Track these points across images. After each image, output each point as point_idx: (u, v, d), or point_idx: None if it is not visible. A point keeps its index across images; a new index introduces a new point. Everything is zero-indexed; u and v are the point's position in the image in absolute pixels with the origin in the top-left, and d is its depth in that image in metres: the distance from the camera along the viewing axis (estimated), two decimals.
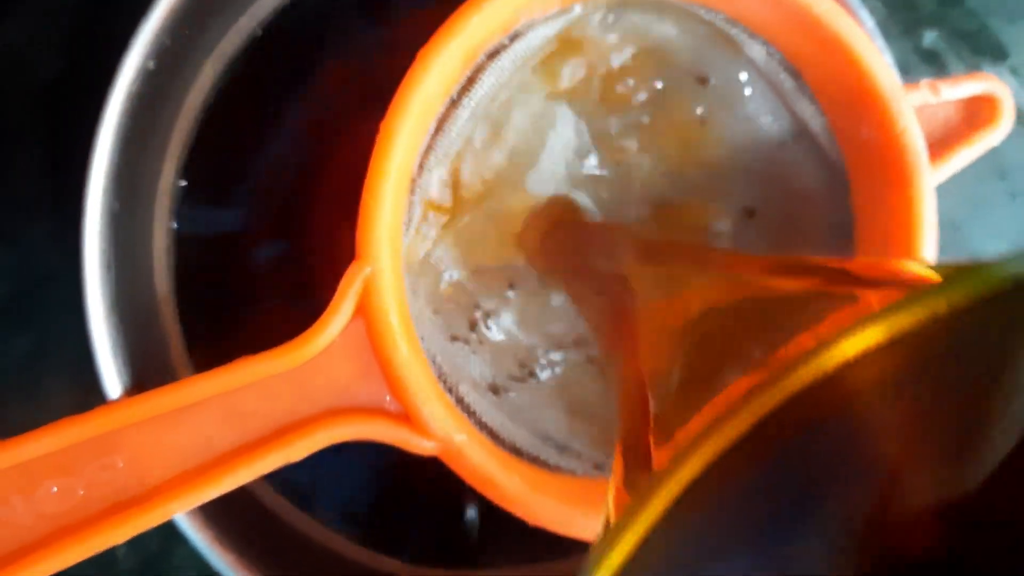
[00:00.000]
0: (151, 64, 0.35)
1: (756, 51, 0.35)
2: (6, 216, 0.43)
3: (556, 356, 0.36)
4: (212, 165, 0.42)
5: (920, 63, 0.47)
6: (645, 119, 0.36)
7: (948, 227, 0.47)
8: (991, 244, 0.48)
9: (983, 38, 0.47)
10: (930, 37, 0.47)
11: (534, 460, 0.34)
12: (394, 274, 0.31)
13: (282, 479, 0.40)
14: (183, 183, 0.40)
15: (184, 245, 0.41)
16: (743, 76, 0.35)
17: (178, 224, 0.40)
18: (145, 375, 0.35)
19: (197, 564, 0.39)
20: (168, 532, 0.35)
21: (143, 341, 0.37)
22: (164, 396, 0.30)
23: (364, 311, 0.30)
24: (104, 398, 0.33)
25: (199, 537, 0.35)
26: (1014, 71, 0.48)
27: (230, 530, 0.36)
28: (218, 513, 0.36)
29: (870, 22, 0.36)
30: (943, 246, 0.46)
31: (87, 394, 0.34)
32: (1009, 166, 0.47)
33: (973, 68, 0.48)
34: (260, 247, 0.43)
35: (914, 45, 0.47)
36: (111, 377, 0.34)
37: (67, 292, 0.41)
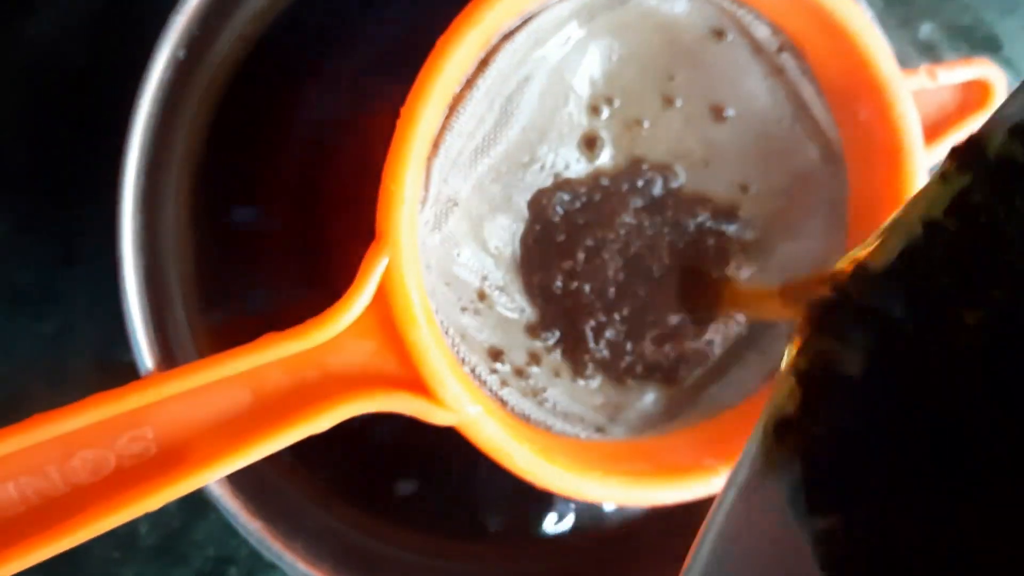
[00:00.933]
0: (181, 53, 0.35)
1: (761, 32, 0.35)
2: (34, 203, 0.43)
3: (560, 325, 0.37)
4: (235, 150, 0.42)
5: (916, 55, 0.48)
6: (652, 98, 0.37)
7: None
8: None
9: (978, 30, 0.48)
10: (926, 29, 0.47)
11: (540, 425, 0.36)
12: (412, 255, 0.32)
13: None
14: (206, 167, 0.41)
15: (207, 228, 0.41)
16: (746, 58, 0.36)
17: (201, 208, 0.41)
18: (171, 353, 0.36)
19: (216, 541, 0.40)
20: (190, 509, 0.37)
21: (170, 322, 0.37)
22: (193, 372, 0.31)
23: (385, 292, 0.31)
24: (131, 377, 0.33)
25: (228, 506, 0.36)
26: (1008, 62, 0.48)
27: (255, 499, 0.37)
28: (245, 484, 0.37)
29: (869, 13, 0.36)
30: None
31: (112, 378, 0.33)
32: None
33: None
34: (281, 227, 0.43)
35: (911, 37, 0.47)
36: (146, 351, 0.34)
37: (92, 277, 0.42)
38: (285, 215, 0.43)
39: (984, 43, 0.48)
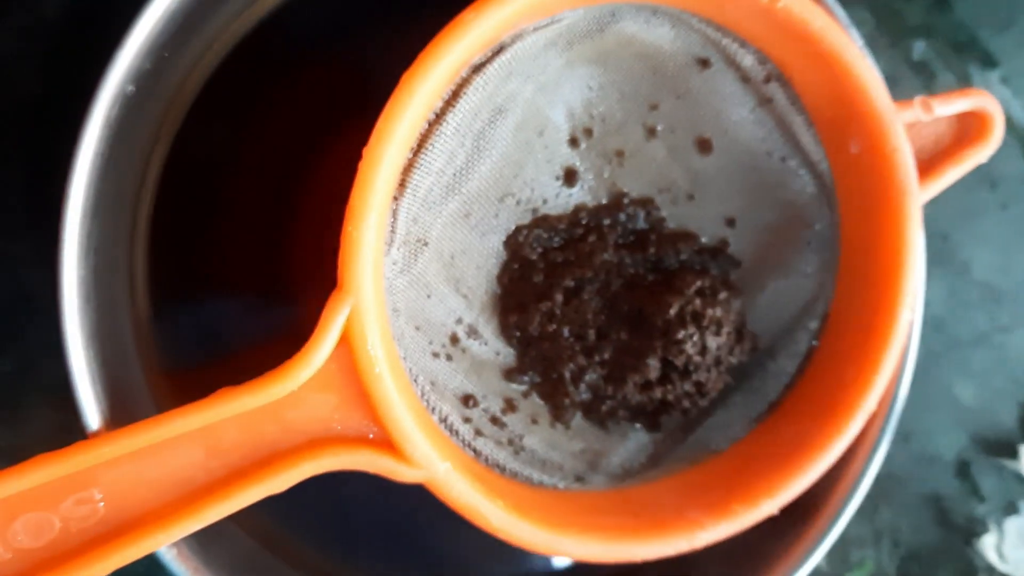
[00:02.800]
0: (130, 88, 0.33)
1: (747, 61, 0.33)
2: None
3: (539, 367, 0.34)
4: (191, 184, 0.40)
5: (909, 74, 0.46)
6: (634, 129, 0.35)
7: (938, 237, 0.46)
8: (981, 254, 0.47)
9: (972, 48, 0.46)
10: (919, 47, 0.46)
11: (516, 476, 0.33)
12: (377, 302, 0.29)
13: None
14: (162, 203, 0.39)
15: (164, 263, 0.39)
16: (733, 87, 0.34)
17: (157, 244, 0.39)
18: (124, 406, 0.33)
19: None
20: (152, 561, 0.34)
21: (122, 371, 0.35)
22: (143, 431, 0.28)
23: (347, 342, 0.29)
24: (83, 424, 0.32)
25: (180, 568, 0.34)
26: (1004, 80, 0.47)
27: (210, 561, 0.35)
28: (199, 543, 0.35)
29: (859, 40, 0.34)
30: (931, 257, 0.46)
31: (68, 415, 0.32)
32: (1000, 176, 0.46)
33: (962, 78, 0.46)
34: (242, 263, 0.41)
35: (903, 56, 0.46)
36: (91, 410, 0.32)
37: (47, 312, 0.39)
38: (247, 254, 0.41)
39: (979, 60, 0.46)
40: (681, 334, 0.33)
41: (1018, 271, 0.47)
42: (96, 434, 0.32)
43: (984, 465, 0.48)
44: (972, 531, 0.48)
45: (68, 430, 0.36)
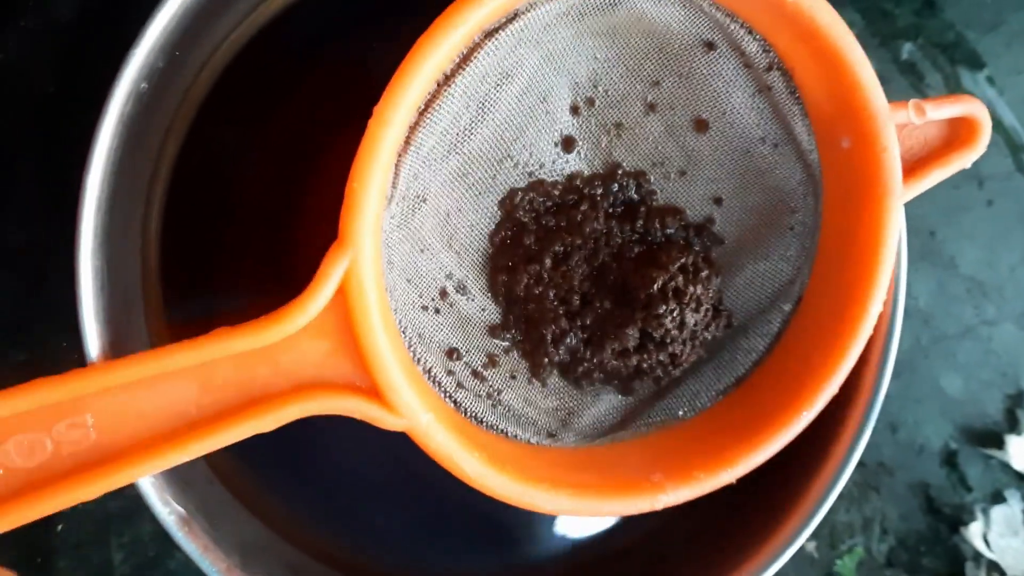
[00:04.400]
0: (144, 86, 0.33)
1: (752, 47, 0.33)
2: (1, 230, 0.42)
3: (522, 326, 0.35)
4: (203, 178, 0.40)
5: (898, 74, 0.46)
6: (634, 103, 0.35)
7: (923, 234, 0.47)
8: (967, 249, 0.48)
9: (960, 48, 0.47)
10: (908, 48, 0.46)
11: (493, 429, 0.34)
12: (375, 259, 0.30)
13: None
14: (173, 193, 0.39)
15: (176, 255, 0.40)
16: (734, 71, 0.34)
17: (169, 236, 0.40)
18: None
19: (191, 571, 0.39)
20: (164, 538, 0.35)
21: (127, 324, 0.36)
22: (140, 363, 0.29)
23: (343, 294, 0.29)
24: None
25: (192, 546, 0.35)
26: (991, 80, 0.47)
27: (220, 539, 0.36)
28: (209, 522, 0.36)
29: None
30: (919, 252, 0.46)
31: None
32: (987, 174, 0.46)
33: (951, 78, 0.47)
34: (252, 255, 0.42)
35: (892, 56, 0.46)
36: (92, 341, 0.33)
37: (61, 303, 0.39)
38: (256, 247, 0.41)
39: (967, 61, 0.47)
40: (662, 308, 0.34)
41: (1003, 266, 0.48)
42: (94, 363, 0.32)
43: (971, 455, 0.49)
44: (959, 519, 0.49)
45: None
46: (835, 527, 0.48)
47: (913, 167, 0.34)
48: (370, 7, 0.41)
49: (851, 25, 0.34)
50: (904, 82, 0.47)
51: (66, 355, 0.41)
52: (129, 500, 0.42)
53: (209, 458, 0.36)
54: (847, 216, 0.34)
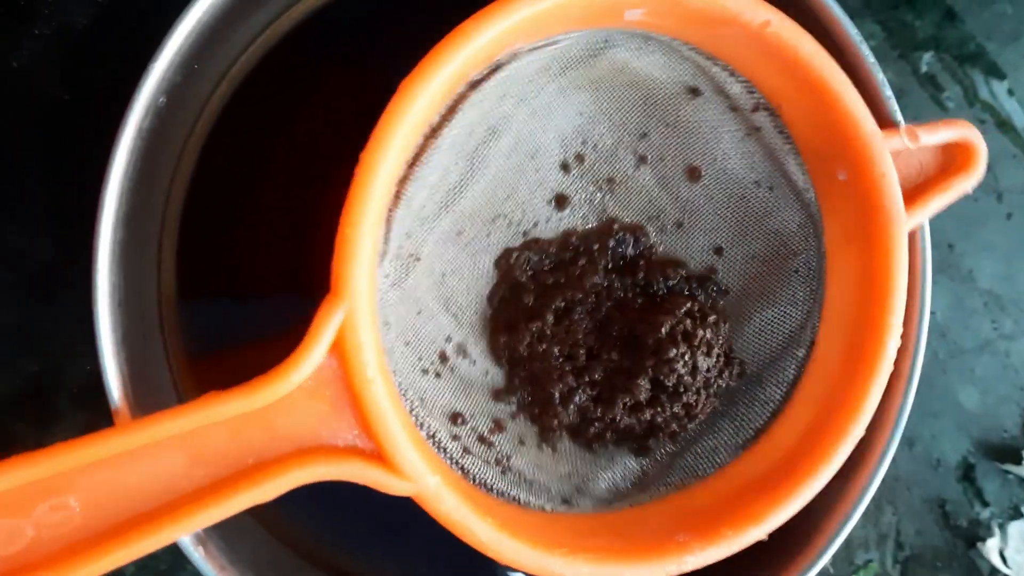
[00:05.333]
0: (162, 100, 0.33)
1: (736, 89, 0.33)
2: (11, 238, 0.41)
3: (527, 388, 0.33)
4: (219, 191, 0.40)
5: (917, 86, 0.46)
6: (624, 156, 0.34)
7: (942, 247, 0.46)
8: (985, 263, 0.47)
9: (981, 60, 0.46)
10: (928, 59, 0.46)
11: (503, 496, 0.32)
12: (370, 311, 0.28)
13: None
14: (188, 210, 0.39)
15: (192, 268, 0.39)
16: (721, 116, 0.33)
17: (185, 248, 0.39)
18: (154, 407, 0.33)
19: None
20: (177, 552, 0.34)
21: (151, 371, 0.36)
22: (124, 435, 0.27)
23: (339, 349, 0.27)
24: (112, 421, 0.32)
25: (207, 566, 0.33)
26: (1011, 92, 0.47)
27: (236, 560, 0.34)
28: (225, 542, 0.34)
29: (869, 54, 0.34)
30: (937, 265, 0.45)
31: (94, 414, 0.36)
32: (1005, 187, 0.46)
33: (970, 90, 0.46)
34: (267, 268, 0.41)
35: (912, 68, 0.46)
36: (122, 409, 0.32)
37: (73, 313, 0.41)
38: (271, 260, 0.41)
39: (987, 72, 0.46)
40: (672, 353, 0.32)
41: (1022, 280, 0.47)
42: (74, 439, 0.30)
43: (988, 470, 0.47)
44: (975, 535, 0.47)
45: (95, 428, 0.38)
46: (851, 542, 0.46)
47: (912, 194, 0.33)
48: (388, 17, 0.41)
49: (870, 37, 0.34)
50: (923, 94, 0.46)
51: (77, 367, 0.41)
52: None
53: None
54: (852, 252, 0.33)
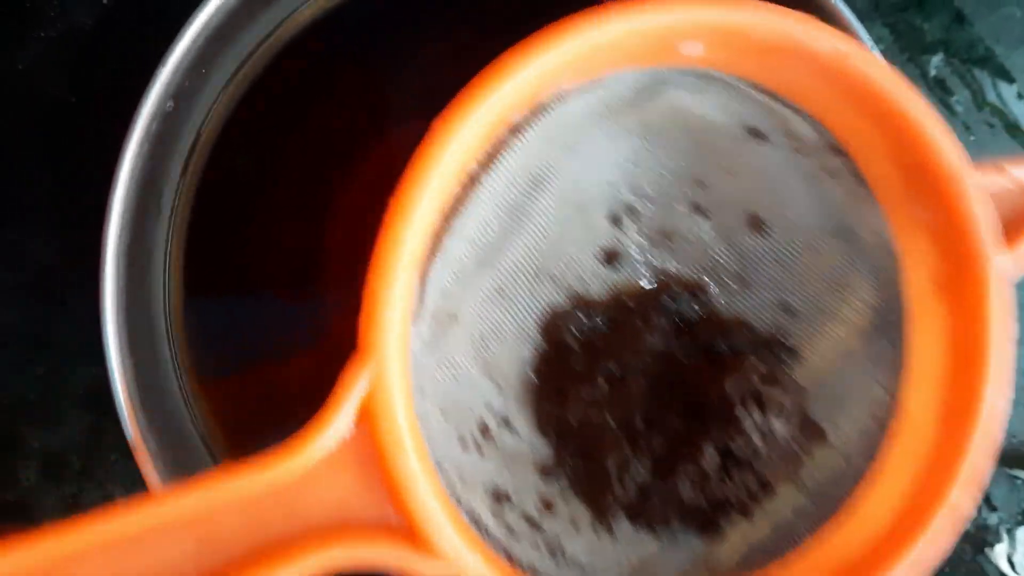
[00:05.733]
0: (170, 105, 0.34)
1: (803, 129, 0.30)
2: (18, 240, 0.42)
3: (578, 463, 0.30)
4: (227, 195, 0.40)
5: (926, 89, 0.45)
6: (680, 207, 0.31)
7: None
8: None
9: (989, 63, 0.45)
10: (936, 63, 0.45)
11: None
12: (403, 374, 0.25)
13: None
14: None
15: (199, 272, 0.39)
16: (786, 159, 0.30)
17: (192, 253, 0.39)
18: (161, 413, 0.35)
19: None
20: None
21: (159, 378, 0.36)
22: (125, 517, 0.24)
23: (367, 416, 0.24)
24: (122, 431, 0.32)
25: None
26: (1020, 96, 0.45)
27: None
28: None
29: (877, 49, 0.34)
30: None
31: (100, 418, 0.37)
32: None
33: (979, 94, 0.45)
34: (277, 272, 0.41)
35: (920, 72, 0.45)
36: (129, 417, 0.33)
37: (79, 317, 0.41)
38: (281, 264, 0.41)
39: (996, 77, 0.45)
40: (741, 417, 0.28)
41: None
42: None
43: (997, 475, 0.45)
44: (984, 540, 0.45)
45: (100, 432, 0.41)
46: None
47: (1009, 238, 0.29)
48: (399, 16, 0.40)
49: (879, 41, 0.36)
50: (932, 98, 0.45)
51: (83, 370, 0.41)
52: None
53: None
54: (942, 305, 0.29)
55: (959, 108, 0.45)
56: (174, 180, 0.39)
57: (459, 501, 0.27)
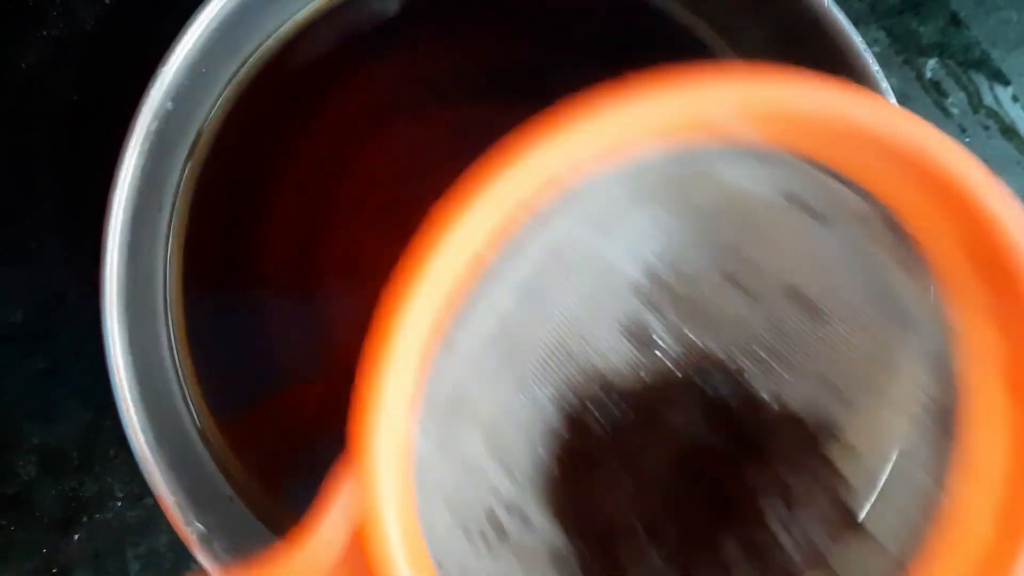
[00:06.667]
0: (169, 104, 0.34)
1: (850, 200, 0.26)
2: (20, 238, 0.42)
3: (602, 562, 0.27)
4: (226, 194, 0.40)
5: (922, 92, 0.45)
6: (713, 281, 0.28)
7: None
8: None
9: (985, 66, 0.45)
10: (932, 65, 0.45)
11: None
12: (400, 480, 0.22)
13: None
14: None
15: (199, 271, 0.40)
16: (832, 232, 0.27)
17: (192, 252, 0.40)
18: (160, 412, 0.35)
19: None
20: (181, 548, 0.34)
21: (159, 379, 0.37)
22: None
23: (359, 537, 0.22)
24: (121, 426, 0.33)
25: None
26: (1016, 99, 0.45)
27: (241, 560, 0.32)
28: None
29: (872, 62, 0.33)
30: None
31: (98, 414, 0.38)
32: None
33: (974, 96, 0.45)
34: (276, 272, 0.41)
35: (916, 74, 0.45)
36: (130, 413, 0.33)
37: (79, 313, 0.42)
38: (281, 264, 0.41)
39: (992, 79, 0.45)
40: (769, 508, 0.26)
41: None
42: None
43: None
44: None
45: (98, 429, 0.42)
46: None
47: None
48: (399, 17, 0.40)
49: (875, 43, 0.36)
50: (927, 100, 0.45)
51: (84, 367, 0.42)
52: (147, 510, 0.42)
53: (230, 476, 0.38)
54: (1008, 402, 0.26)
55: (955, 111, 0.45)
56: (174, 179, 0.39)
57: None
